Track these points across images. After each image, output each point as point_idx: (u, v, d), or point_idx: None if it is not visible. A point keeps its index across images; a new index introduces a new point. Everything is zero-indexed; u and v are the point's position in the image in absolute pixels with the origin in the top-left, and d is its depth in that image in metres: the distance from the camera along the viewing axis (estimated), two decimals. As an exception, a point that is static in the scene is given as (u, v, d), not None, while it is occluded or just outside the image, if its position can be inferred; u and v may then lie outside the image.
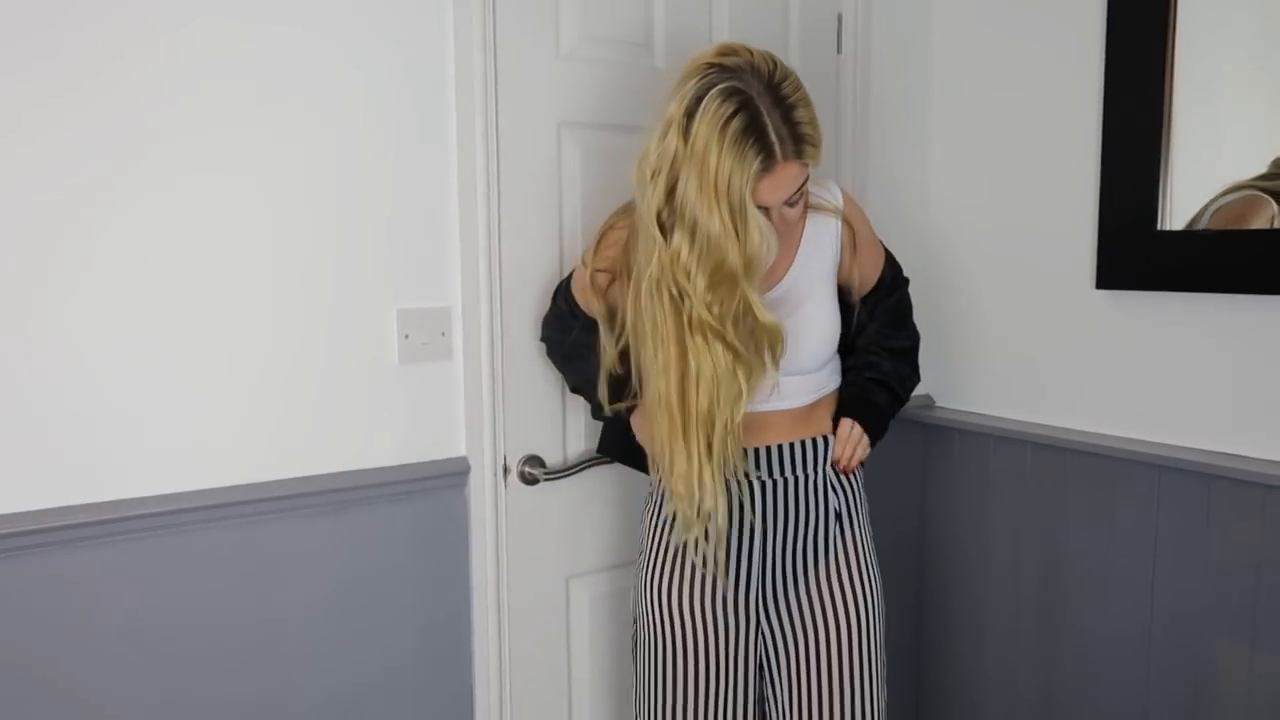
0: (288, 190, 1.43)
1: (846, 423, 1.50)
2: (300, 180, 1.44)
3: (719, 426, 1.32)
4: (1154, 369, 1.71)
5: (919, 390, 2.11)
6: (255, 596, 1.45)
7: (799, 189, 1.29)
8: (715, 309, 1.26)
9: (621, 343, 1.42)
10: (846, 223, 1.46)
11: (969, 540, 2.04)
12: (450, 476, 1.59)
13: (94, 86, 1.27)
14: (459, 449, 1.61)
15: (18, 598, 1.29)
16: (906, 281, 1.63)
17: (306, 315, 1.47)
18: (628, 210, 1.43)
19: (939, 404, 2.10)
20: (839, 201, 1.46)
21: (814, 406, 1.48)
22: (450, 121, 1.55)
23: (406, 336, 1.54)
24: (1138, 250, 1.68)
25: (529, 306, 1.62)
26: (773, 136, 1.22)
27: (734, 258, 1.23)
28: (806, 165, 1.27)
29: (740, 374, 1.30)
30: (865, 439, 1.51)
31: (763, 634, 1.49)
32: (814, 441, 1.46)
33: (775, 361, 1.34)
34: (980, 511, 2.01)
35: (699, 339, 1.29)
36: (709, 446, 1.33)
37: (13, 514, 1.27)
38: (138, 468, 1.36)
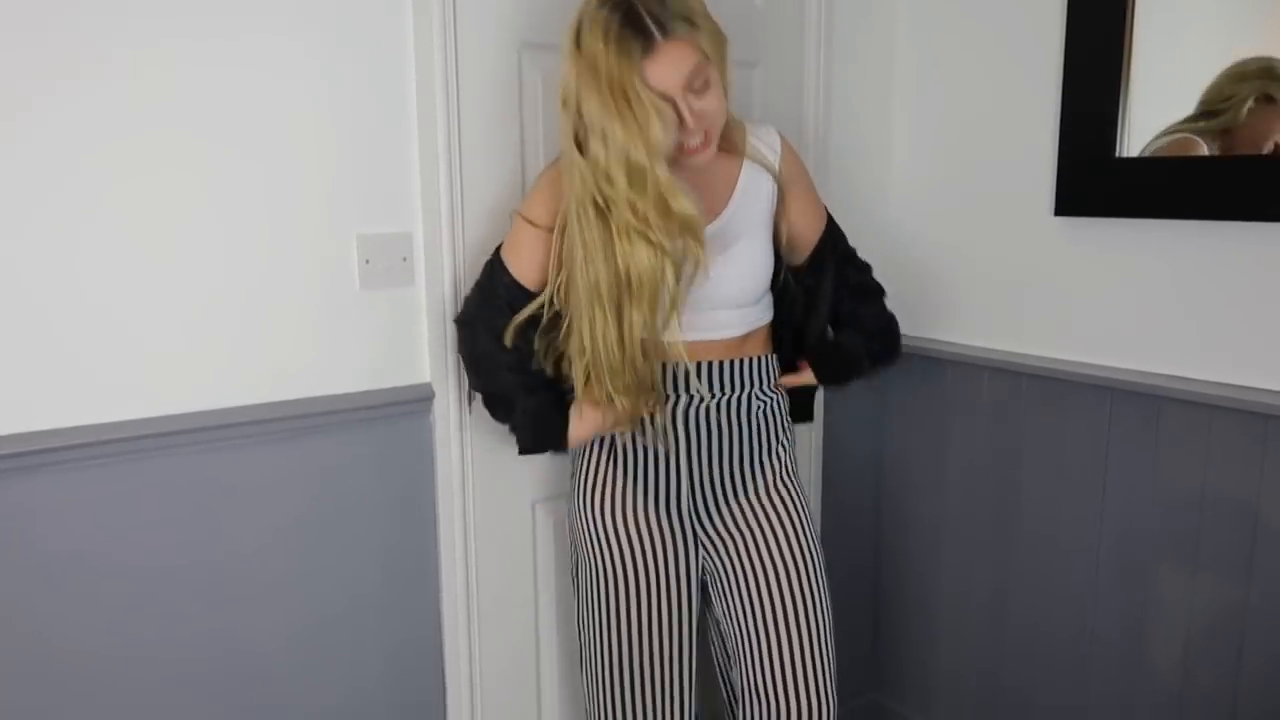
0: (244, 113, 1.39)
1: (808, 372, 1.60)
2: (256, 103, 1.40)
3: (653, 335, 1.36)
4: (1108, 293, 1.74)
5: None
6: (214, 525, 1.44)
7: (697, 72, 1.29)
8: (639, 207, 1.29)
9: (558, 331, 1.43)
10: (778, 181, 1.49)
11: (927, 462, 2.08)
12: (414, 403, 1.59)
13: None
14: (423, 375, 1.60)
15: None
16: (882, 291, 1.67)
17: (264, 240, 1.43)
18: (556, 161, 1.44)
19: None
20: (777, 149, 1.49)
21: (746, 338, 1.50)
22: (408, 41, 1.51)
23: (367, 262, 1.52)
24: (1097, 177, 1.69)
25: (491, 231, 1.59)
26: (648, 21, 1.25)
27: (639, 150, 1.26)
28: (694, 46, 1.28)
29: (669, 271, 1.32)
30: (810, 380, 1.61)
31: (702, 546, 1.52)
32: (747, 361, 1.49)
33: (699, 241, 1.34)
34: (938, 434, 2.05)
35: (625, 243, 1.31)
36: (643, 355, 1.37)
37: (-39, 441, 1.25)
38: (91, 394, 1.33)
